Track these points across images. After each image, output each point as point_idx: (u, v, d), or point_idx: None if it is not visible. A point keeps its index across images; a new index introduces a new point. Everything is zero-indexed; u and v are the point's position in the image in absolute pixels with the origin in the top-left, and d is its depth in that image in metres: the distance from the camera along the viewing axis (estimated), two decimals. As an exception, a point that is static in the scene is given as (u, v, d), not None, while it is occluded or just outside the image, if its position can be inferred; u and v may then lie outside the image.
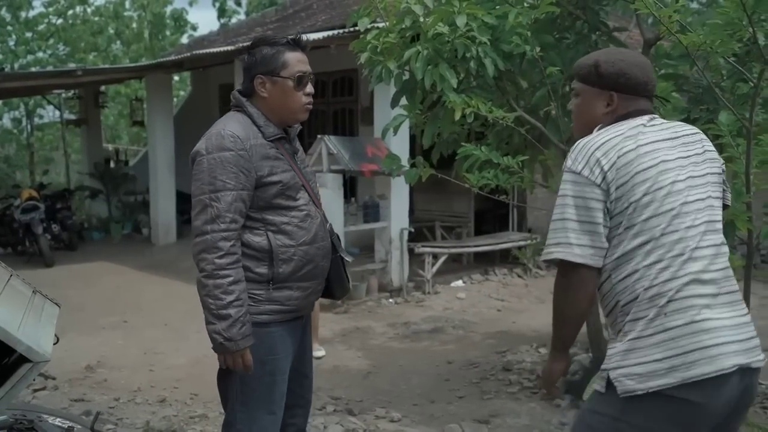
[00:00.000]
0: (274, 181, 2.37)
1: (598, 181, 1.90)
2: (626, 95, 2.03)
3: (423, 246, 8.50)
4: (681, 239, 1.89)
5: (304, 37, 2.53)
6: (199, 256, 2.29)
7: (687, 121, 3.96)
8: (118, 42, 22.62)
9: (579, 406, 4.52)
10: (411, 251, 8.42)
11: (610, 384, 1.88)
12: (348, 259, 2.62)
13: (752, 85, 3.53)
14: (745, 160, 3.41)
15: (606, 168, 1.90)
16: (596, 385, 1.94)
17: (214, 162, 2.30)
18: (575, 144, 2.00)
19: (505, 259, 9.57)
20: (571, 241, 1.88)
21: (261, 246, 2.36)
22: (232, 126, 2.37)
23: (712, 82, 3.67)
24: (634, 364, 1.85)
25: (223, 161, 2.30)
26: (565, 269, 1.91)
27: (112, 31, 22.14)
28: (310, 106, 2.49)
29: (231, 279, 2.26)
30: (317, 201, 2.53)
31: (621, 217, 1.90)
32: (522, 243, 9.21)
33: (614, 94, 2.04)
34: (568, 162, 1.96)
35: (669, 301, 1.85)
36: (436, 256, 8.52)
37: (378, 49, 3.87)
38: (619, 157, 1.91)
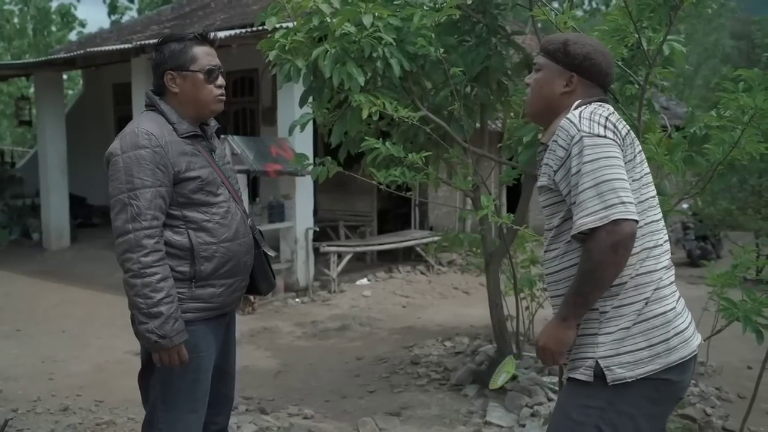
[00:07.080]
0: (192, 176, 2.35)
1: (619, 142, 1.88)
2: (586, 80, 2.02)
3: (328, 245, 8.57)
4: (656, 230, 1.96)
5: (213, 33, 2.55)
6: (124, 256, 2.24)
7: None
8: (-2, 37, 21.42)
9: (485, 395, 4.72)
10: (316, 251, 8.47)
11: (597, 373, 1.89)
12: (271, 254, 2.64)
13: (638, 87, 3.79)
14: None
15: (622, 135, 1.89)
16: (579, 375, 1.93)
17: (129, 160, 2.27)
18: (573, 115, 1.92)
19: (408, 256, 9.77)
20: (623, 200, 1.80)
21: (182, 244, 2.34)
22: (145, 124, 2.34)
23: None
24: (625, 352, 1.88)
25: (139, 159, 2.27)
26: (619, 228, 1.80)
27: (-9, 26, 20.97)
28: (223, 98, 2.51)
29: (159, 276, 2.23)
30: (237, 197, 2.53)
31: None
32: (425, 240, 9.46)
33: (575, 76, 2.02)
34: (583, 128, 1.87)
35: (655, 290, 1.91)
36: (341, 255, 8.60)
37: (286, 48, 3.90)
38: (628, 132, 1.91)
